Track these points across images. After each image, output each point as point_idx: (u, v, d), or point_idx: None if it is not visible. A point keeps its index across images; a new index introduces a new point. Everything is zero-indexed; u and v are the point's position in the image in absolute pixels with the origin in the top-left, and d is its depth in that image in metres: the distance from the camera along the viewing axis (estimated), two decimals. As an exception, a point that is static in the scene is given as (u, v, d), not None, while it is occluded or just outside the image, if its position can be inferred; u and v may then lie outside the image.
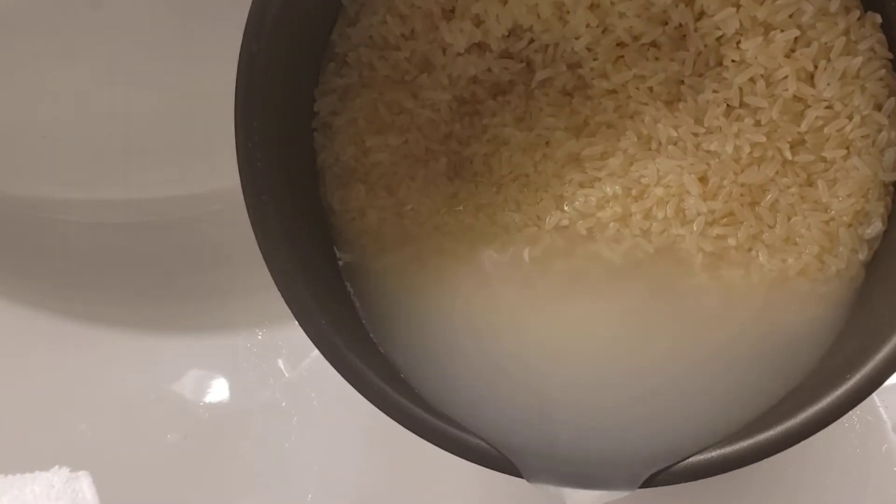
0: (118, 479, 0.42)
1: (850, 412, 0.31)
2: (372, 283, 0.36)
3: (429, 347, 0.34)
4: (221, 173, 0.40)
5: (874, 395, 0.33)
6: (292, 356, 0.46)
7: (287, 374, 0.46)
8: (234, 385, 0.46)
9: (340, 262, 0.36)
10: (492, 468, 0.33)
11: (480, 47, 0.35)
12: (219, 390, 0.46)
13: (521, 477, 0.32)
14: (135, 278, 0.47)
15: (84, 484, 0.40)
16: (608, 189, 0.35)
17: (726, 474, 0.31)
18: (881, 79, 0.34)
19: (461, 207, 0.35)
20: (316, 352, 0.32)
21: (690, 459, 0.32)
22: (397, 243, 0.35)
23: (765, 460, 0.31)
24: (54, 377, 0.46)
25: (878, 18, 0.34)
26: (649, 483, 0.32)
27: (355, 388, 0.32)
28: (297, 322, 0.32)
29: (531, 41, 0.35)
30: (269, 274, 0.31)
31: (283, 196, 0.33)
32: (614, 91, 0.35)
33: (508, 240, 0.35)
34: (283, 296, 0.32)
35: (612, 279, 0.35)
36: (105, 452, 0.44)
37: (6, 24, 0.42)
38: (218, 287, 0.46)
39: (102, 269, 0.47)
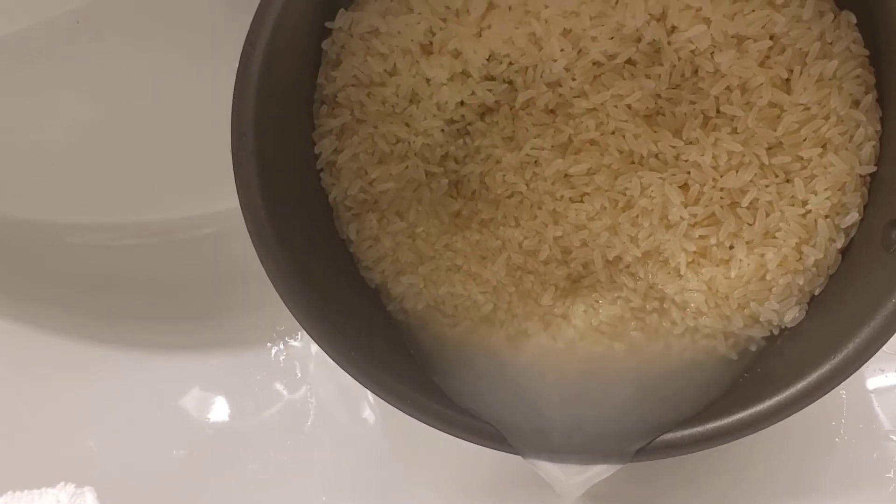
0: (123, 494, 0.44)
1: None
2: (395, 304, 0.40)
3: (459, 360, 0.39)
4: (216, 196, 0.42)
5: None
6: (296, 373, 0.46)
7: (289, 393, 0.46)
8: (238, 402, 0.47)
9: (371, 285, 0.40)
10: (493, 447, 0.38)
11: (463, 73, 0.37)
12: (223, 407, 0.47)
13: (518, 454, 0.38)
14: (138, 299, 0.48)
15: (89, 499, 0.41)
16: (597, 203, 0.37)
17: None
18: (857, 76, 0.34)
19: (467, 224, 0.39)
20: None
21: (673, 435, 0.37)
22: (413, 264, 0.39)
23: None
24: (61, 396, 0.46)
25: (853, 18, 0.34)
26: (639, 456, 0.37)
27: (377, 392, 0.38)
28: (316, 345, 0.36)
29: (510, 63, 0.36)
30: (270, 291, 0.35)
31: (300, 236, 0.37)
32: (594, 109, 0.36)
33: (512, 253, 0.38)
34: (317, 341, 0.37)
35: (607, 280, 0.38)
36: (111, 468, 0.44)
37: (14, 51, 0.43)
38: (220, 306, 0.47)
39: (107, 291, 0.48)
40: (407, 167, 0.38)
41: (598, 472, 0.37)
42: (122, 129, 0.45)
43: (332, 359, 0.37)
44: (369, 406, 0.46)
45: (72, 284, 0.48)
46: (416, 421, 0.37)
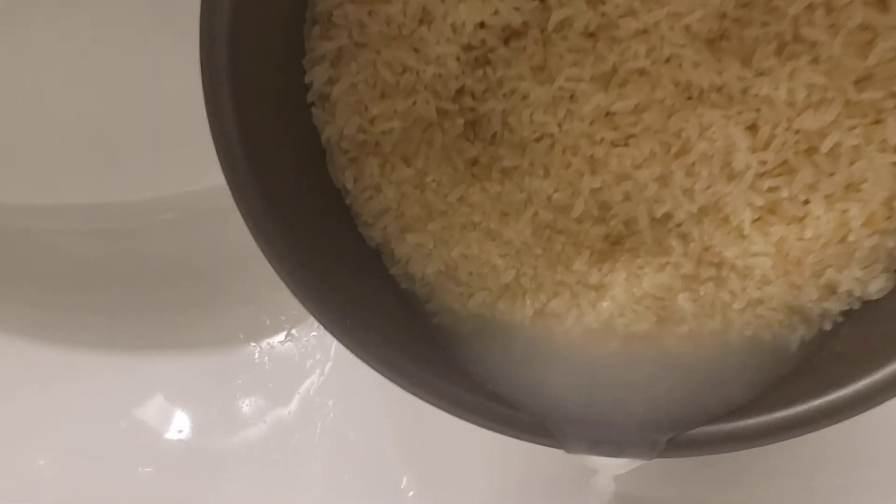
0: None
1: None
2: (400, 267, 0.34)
3: (489, 335, 0.33)
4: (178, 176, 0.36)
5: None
6: (284, 377, 0.41)
7: (275, 401, 0.40)
8: (214, 411, 0.41)
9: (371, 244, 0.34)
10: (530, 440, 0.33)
11: (486, -13, 0.31)
12: (197, 417, 0.41)
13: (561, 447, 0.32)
14: (95, 292, 0.42)
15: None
16: (645, 147, 0.31)
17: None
18: (969, -8, 0.28)
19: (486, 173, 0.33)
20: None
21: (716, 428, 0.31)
22: (421, 220, 0.33)
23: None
24: (4, 405, 0.40)
25: (969, -83, 0.28)
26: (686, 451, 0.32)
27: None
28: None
29: None
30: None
31: (284, 187, 0.31)
32: (645, 32, 0.30)
33: (539, 209, 0.32)
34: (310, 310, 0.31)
35: (654, 242, 0.32)
36: (65, 492, 0.39)
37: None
38: (194, 300, 0.42)
39: (60, 282, 0.42)
40: (415, 103, 0.32)
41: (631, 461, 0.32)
42: (79, 105, 0.40)
43: (324, 325, 0.31)
44: (377, 415, 0.40)
45: (15, 274, 0.42)
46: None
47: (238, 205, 0.30)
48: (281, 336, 0.42)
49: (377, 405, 0.40)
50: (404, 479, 0.40)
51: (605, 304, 0.33)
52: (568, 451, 0.32)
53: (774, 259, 0.31)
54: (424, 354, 0.33)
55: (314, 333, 0.41)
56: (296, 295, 0.30)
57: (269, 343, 0.42)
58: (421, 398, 0.32)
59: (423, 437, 0.39)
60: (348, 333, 0.31)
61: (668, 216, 0.32)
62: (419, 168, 0.32)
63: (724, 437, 0.32)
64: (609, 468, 0.33)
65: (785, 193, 0.30)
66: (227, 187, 0.30)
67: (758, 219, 0.31)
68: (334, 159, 0.33)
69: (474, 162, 0.33)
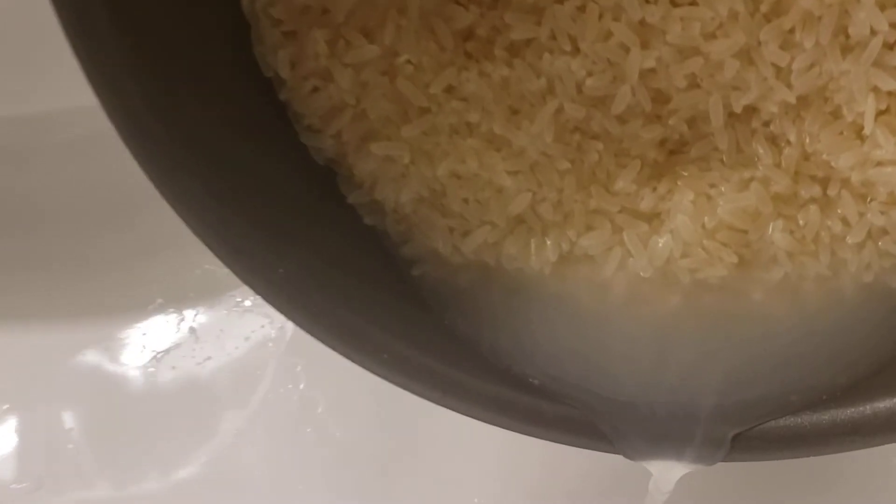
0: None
1: None
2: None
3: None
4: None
5: None
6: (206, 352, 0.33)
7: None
8: (110, 400, 0.33)
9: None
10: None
11: None
12: (87, 410, 0.34)
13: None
14: None
15: None
16: (721, 6, 0.21)
17: None
18: None
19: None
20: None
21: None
22: (391, 122, 0.23)
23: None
24: None
25: None
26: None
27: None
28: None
29: None
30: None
31: (180, 79, 0.21)
32: None
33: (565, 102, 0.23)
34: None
35: (732, 148, 0.23)
36: None
37: None
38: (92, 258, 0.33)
39: None
40: (381, -53, 0.22)
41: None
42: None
43: (253, 286, 0.21)
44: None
45: None
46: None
47: (102, 101, 0.19)
48: (212, 301, 0.35)
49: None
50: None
51: (661, 240, 0.23)
52: (625, 454, 0.22)
53: (909, 169, 0.22)
54: (400, 319, 0.23)
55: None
56: (196, 233, 0.20)
57: (193, 308, 0.34)
58: (395, 382, 0.22)
59: (404, 431, 0.31)
60: (281, 290, 0.21)
61: (752, 110, 0.23)
62: (387, 45, 0.23)
63: (819, 433, 0.23)
64: (667, 472, 0.24)
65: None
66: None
67: (885, 110, 0.22)
68: (261, 35, 0.23)
69: (468, 35, 0.23)
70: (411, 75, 0.23)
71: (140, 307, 0.35)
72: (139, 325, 0.35)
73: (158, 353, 0.35)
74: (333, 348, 0.22)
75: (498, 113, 0.23)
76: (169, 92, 0.20)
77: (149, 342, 0.35)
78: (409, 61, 0.23)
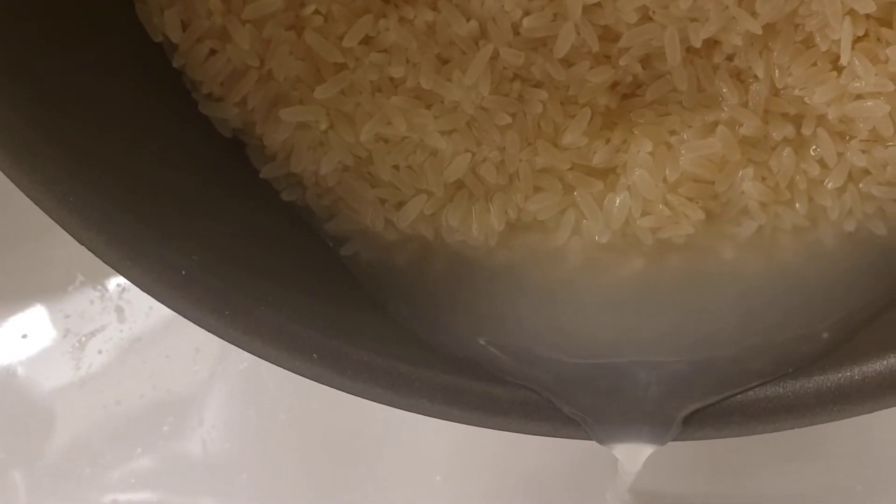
0: None
1: None
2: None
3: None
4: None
5: None
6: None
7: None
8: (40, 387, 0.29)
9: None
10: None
11: None
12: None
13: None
14: None
15: None
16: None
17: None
18: None
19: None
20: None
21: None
22: (304, 82, 0.20)
23: None
24: None
25: None
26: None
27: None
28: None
29: None
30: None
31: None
32: None
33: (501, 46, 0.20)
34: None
35: (692, 89, 0.20)
36: None
37: None
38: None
39: None
40: None
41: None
42: None
43: (151, 293, 0.18)
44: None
45: None
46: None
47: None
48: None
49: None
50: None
51: (618, 199, 0.21)
52: (597, 439, 0.20)
53: (893, 100, 0.20)
54: (330, 311, 0.20)
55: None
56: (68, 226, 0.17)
57: (119, 285, 0.30)
58: (329, 383, 0.19)
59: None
60: (187, 293, 0.18)
61: (713, 44, 0.20)
62: (292, -9, 0.20)
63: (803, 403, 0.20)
64: (632, 455, 0.22)
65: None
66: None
67: (863, 36, 0.20)
68: (144, -10, 0.20)
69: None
70: (321, 27, 0.20)
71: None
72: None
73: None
74: (255, 353, 0.19)
75: (425, 64, 0.20)
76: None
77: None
78: (317, 11, 0.20)
